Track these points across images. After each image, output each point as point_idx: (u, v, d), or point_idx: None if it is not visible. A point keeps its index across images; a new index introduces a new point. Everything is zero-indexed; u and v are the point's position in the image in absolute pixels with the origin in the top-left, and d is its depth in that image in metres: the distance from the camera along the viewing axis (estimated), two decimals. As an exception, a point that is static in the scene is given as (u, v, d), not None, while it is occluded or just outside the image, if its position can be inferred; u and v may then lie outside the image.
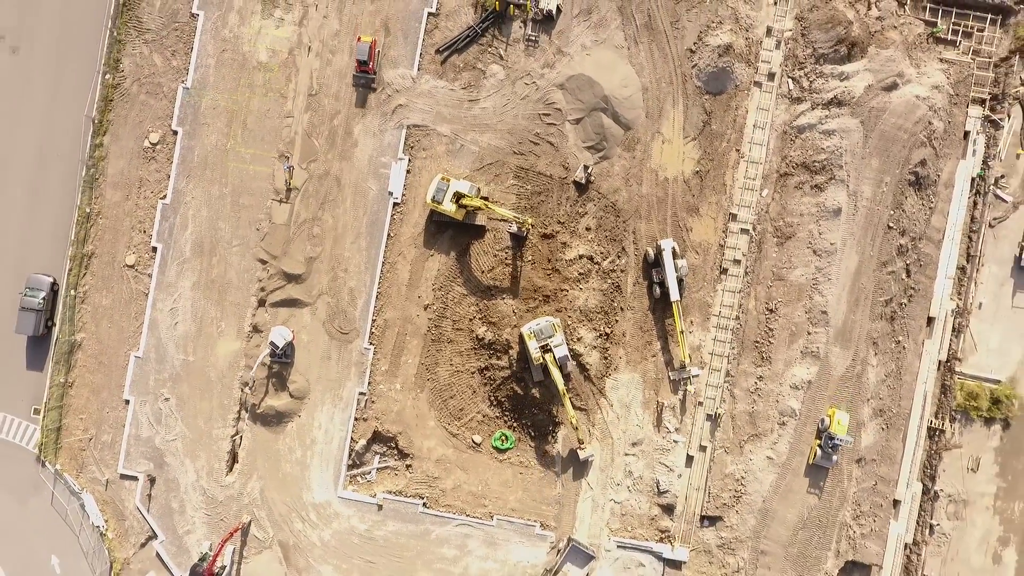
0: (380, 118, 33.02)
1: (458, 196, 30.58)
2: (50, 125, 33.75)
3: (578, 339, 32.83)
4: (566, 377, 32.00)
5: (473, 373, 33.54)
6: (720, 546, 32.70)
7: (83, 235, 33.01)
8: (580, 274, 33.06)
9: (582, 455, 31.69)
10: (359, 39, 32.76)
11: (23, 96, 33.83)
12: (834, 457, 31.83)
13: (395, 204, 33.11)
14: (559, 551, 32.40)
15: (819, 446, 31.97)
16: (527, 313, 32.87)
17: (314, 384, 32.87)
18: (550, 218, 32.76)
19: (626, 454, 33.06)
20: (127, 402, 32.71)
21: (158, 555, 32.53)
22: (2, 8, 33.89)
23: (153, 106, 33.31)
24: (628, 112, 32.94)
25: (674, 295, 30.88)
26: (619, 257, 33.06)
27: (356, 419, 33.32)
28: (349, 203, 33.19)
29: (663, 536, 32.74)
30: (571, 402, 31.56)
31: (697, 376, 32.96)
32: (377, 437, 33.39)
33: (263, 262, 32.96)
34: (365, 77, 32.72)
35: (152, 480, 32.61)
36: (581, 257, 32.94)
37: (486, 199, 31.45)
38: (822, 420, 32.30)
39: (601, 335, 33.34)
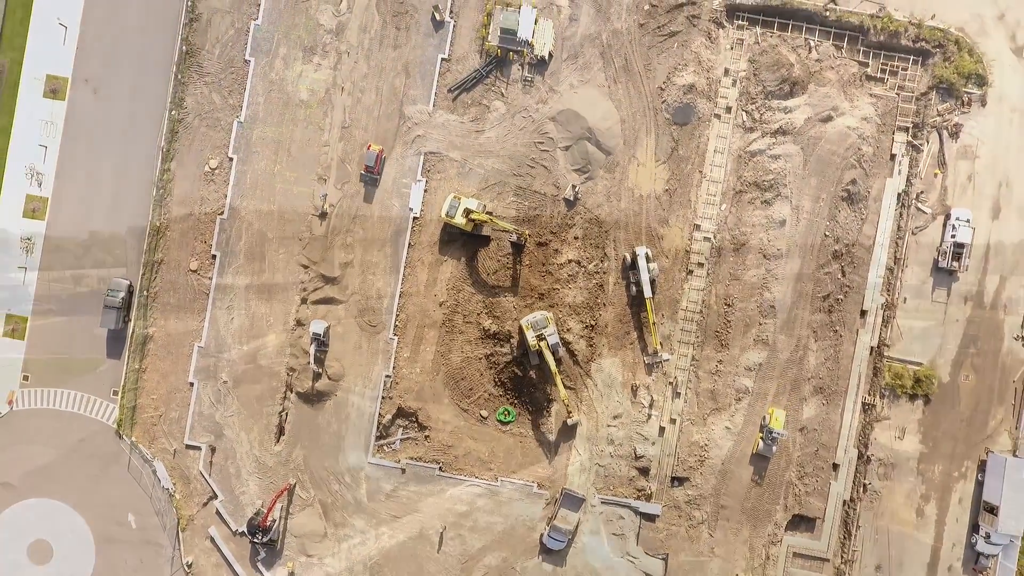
0: (402, 146, 36.42)
1: (467, 212, 33.79)
2: (126, 154, 37.14)
3: (568, 329, 35.83)
4: (558, 361, 35.03)
5: (480, 358, 36.43)
6: (687, 502, 35.60)
7: (154, 245, 36.45)
8: (569, 276, 36.07)
9: (570, 422, 34.66)
10: (368, 146, 36.00)
11: (104, 130, 37.33)
12: (773, 448, 34.64)
13: (414, 218, 36.38)
14: (556, 502, 35.06)
15: (761, 438, 34.98)
16: (525, 308, 35.86)
17: (348, 369, 36.08)
18: (544, 229, 35.88)
19: (608, 425, 35.85)
20: (192, 384, 35.96)
21: (218, 512, 35.23)
22: (87, 58, 37.43)
23: (212, 137, 36.63)
24: (609, 140, 36.26)
25: (647, 293, 34.07)
26: (602, 261, 36.13)
27: (383, 398, 36.26)
28: (376, 217, 36.54)
29: (640, 494, 35.50)
30: (562, 382, 34.54)
31: (667, 360, 36.04)
32: (400, 413, 36.35)
33: (305, 267, 36.24)
34: (370, 176, 36.00)
35: (213, 449, 35.71)
36: (570, 262, 36.03)
37: (491, 214, 34.50)
38: (764, 417, 35.47)
39: (587, 326, 36.41)
